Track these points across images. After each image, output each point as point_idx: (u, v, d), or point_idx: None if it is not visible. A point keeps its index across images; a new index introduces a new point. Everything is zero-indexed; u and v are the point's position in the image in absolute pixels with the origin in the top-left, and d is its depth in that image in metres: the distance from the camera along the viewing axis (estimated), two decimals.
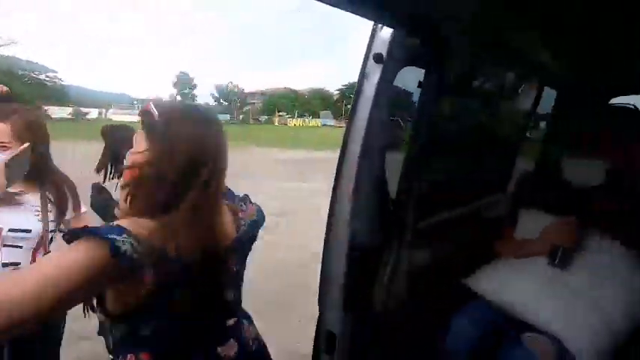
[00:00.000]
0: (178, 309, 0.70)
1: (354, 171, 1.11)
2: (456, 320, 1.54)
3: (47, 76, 37.98)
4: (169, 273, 0.65)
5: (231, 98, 51.13)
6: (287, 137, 24.49)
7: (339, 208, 1.16)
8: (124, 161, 0.75)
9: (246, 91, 58.40)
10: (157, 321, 0.72)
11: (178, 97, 52.12)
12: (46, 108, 34.50)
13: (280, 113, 53.43)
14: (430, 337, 1.52)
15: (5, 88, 1.41)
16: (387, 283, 1.26)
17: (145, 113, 0.76)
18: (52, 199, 1.27)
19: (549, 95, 2.00)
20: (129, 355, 0.73)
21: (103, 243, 0.60)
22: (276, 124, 49.31)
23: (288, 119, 52.13)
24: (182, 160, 0.69)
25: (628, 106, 1.86)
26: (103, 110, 40.61)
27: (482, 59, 1.38)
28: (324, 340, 1.33)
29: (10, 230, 1.16)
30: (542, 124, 2.33)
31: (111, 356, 0.78)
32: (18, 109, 1.22)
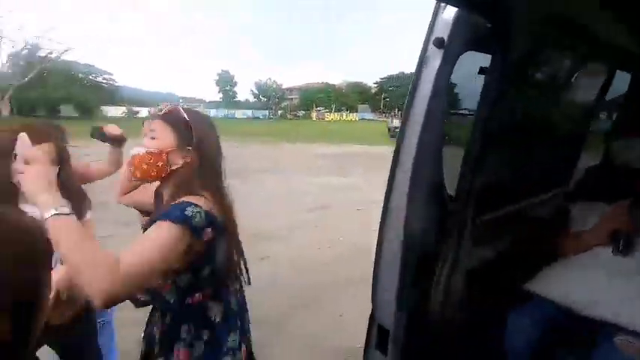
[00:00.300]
0: (222, 255, 1.00)
1: (410, 165, 1.06)
2: (515, 320, 1.49)
3: (104, 78, 40.89)
4: (217, 230, 0.96)
5: (270, 94, 52.07)
6: (325, 132, 24.54)
7: (394, 205, 1.12)
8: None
9: (284, 87, 59.20)
10: (212, 265, 1.00)
11: (220, 95, 53.98)
12: (102, 107, 37.35)
13: (318, 108, 53.64)
14: (487, 336, 1.46)
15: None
16: (444, 281, 1.21)
17: (175, 114, 1.05)
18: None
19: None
20: (196, 295, 1.01)
21: (182, 221, 0.89)
22: (314, 119, 49.53)
23: (326, 114, 52.21)
24: (214, 153, 1.06)
25: None
26: (151, 109, 42.96)
27: (553, 40, 1.25)
28: (375, 336, 1.31)
29: None
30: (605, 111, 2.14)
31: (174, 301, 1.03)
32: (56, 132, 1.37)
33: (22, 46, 25.58)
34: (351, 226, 4.98)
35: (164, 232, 0.88)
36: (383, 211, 1.16)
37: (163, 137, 1.02)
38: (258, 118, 47.19)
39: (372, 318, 1.29)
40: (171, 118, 1.04)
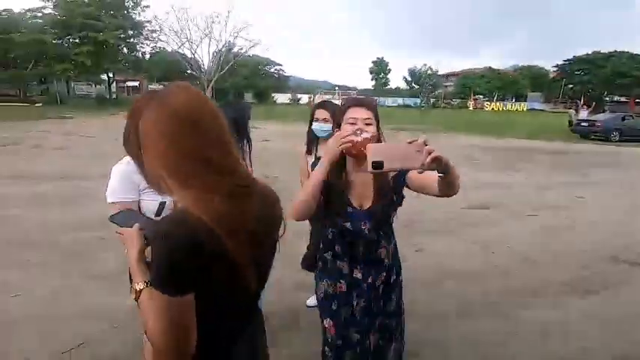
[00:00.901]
0: None
1: None
2: None
3: (275, 69, 47.25)
4: None
5: (423, 81, 49.91)
6: (484, 122, 22.04)
7: None
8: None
9: (440, 73, 55.69)
10: None
11: (373, 82, 54.95)
12: (273, 94, 43.43)
13: (476, 96, 48.48)
14: None
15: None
16: None
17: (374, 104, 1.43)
18: None
19: None
20: None
21: None
22: (471, 107, 45.10)
23: (485, 102, 46.73)
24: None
25: None
26: (311, 95, 47.35)
27: None
28: None
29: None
30: None
31: None
32: None
33: (222, 44, 31.84)
34: (517, 233, 4.38)
35: None
36: None
37: (374, 123, 1.38)
38: (409, 106, 46.12)
39: None
40: (374, 108, 1.40)
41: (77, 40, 24.91)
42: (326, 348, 1.49)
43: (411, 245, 3.85)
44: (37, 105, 23.71)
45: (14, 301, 2.61)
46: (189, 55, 31.80)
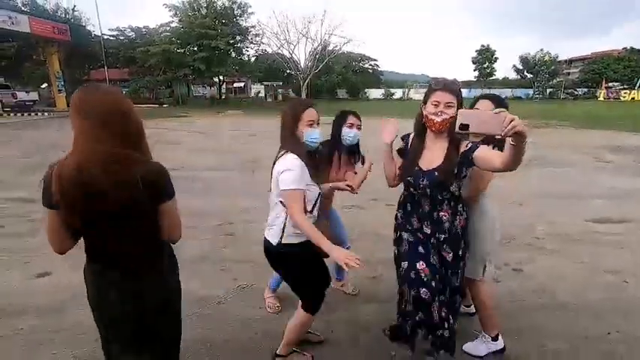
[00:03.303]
0: None
1: None
2: None
3: (370, 64, 46.72)
4: None
5: (539, 69, 43.50)
6: (616, 116, 18.16)
7: None
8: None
9: (560, 59, 47.92)
10: None
11: (476, 73, 50.25)
12: (366, 90, 43.06)
13: (609, 84, 40.35)
14: None
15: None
16: None
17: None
18: None
19: None
20: None
21: None
22: (601, 98, 37.82)
23: (622, 91, 38.54)
24: None
25: None
26: (406, 90, 45.53)
27: None
28: None
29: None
30: None
31: None
32: None
33: (318, 43, 32.75)
34: None
35: None
36: None
37: (456, 105, 1.65)
38: (519, 98, 40.88)
39: None
40: (456, 92, 1.65)
41: (195, 48, 28.39)
42: (422, 289, 1.72)
43: (508, 263, 3.28)
44: (164, 106, 27.91)
45: None
46: (287, 55, 33.59)
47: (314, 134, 1.78)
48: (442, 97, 1.60)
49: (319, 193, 1.82)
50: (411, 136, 1.87)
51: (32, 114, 18.84)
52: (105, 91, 1.19)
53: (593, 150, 9.11)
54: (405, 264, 1.79)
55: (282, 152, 1.74)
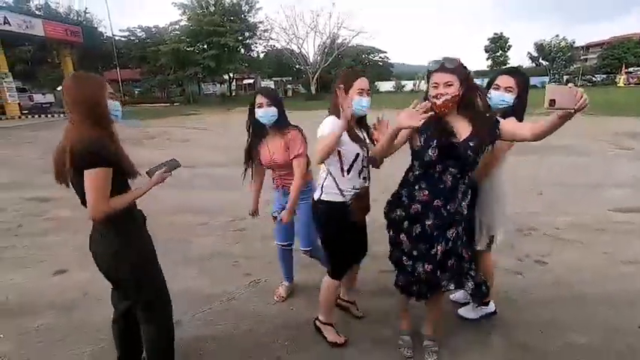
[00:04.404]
0: None
1: None
2: None
3: (380, 57, 46.15)
4: None
5: (554, 56, 42.20)
6: (637, 102, 17.47)
7: None
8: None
9: (577, 44, 46.38)
10: None
11: (489, 62, 49.17)
12: (376, 83, 42.56)
13: (630, 69, 38.88)
14: None
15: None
16: None
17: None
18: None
19: None
20: None
21: None
22: (621, 84, 36.51)
23: None
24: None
25: None
26: (417, 82, 44.85)
27: None
28: None
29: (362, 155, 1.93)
30: None
31: None
32: None
33: (327, 36, 32.48)
34: None
35: None
36: None
37: (456, 83, 1.60)
38: (534, 86, 39.80)
39: None
40: (454, 70, 1.60)
41: (204, 46, 28.52)
42: (404, 257, 1.84)
43: (529, 255, 3.17)
44: (175, 104, 28.19)
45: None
46: (296, 50, 33.43)
47: (362, 102, 1.85)
48: (440, 78, 1.59)
49: (357, 154, 1.88)
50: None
51: (48, 115, 19.27)
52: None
53: (613, 137, 8.78)
54: (405, 223, 1.82)
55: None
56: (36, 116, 18.80)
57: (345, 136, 1.80)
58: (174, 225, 3.93)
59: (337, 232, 1.95)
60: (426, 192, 1.73)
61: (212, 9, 29.09)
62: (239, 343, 2.18)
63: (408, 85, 43.75)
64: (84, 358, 2.08)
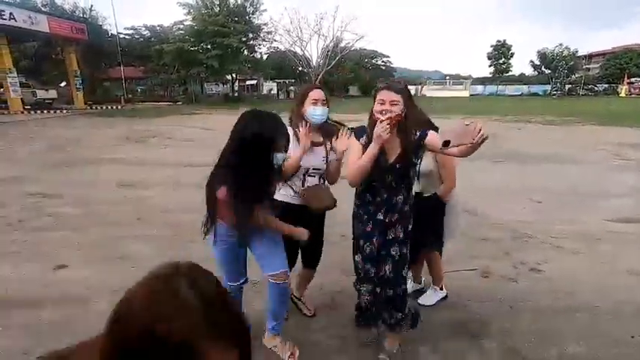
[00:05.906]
0: None
1: None
2: None
3: (382, 61, 46.30)
4: None
5: (557, 65, 42.34)
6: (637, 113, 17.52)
7: None
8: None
9: (580, 53, 46.53)
10: None
11: (491, 69, 49.27)
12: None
13: (632, 79, 39.00)
14: None
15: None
16: None
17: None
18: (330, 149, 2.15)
19: None
20: None
21: None
22: (623, 94, 36.61)
23: None
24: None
25: None
26: (419, 87, 44.94)
27: None
28: None
29: (313, 169, 2.14)
30: None
31: None
32: None
33: (330, 40, 32.63)
34: None
35: None
36: None
37: (401, 102, 1.76)
38: (536, 94, 39.95)
39: None
40: (401, 91, 1.76)
41: (208, 46, 28.61)
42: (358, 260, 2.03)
43: (525, 262, 3.20)
44: (178, 103, 28.26)
45: (132, 273, 3.02)
46: (299, 52, 33.55)
47: (317, 111, 2.04)
48: (387, 96, 1.73)
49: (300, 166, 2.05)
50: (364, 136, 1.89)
51: (51, 111, 19.32)
52: None
53: (614, 147, 8.81)
54: (360, 241, 1.97)
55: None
56: (39, 112, 18.86)
57: (295, 145, 2.00)
58: (181, 224, 3.97)
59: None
60: (372, 205, 1.90)
61: (217, 9, 29.22)
62: None
63: (410, 89, 43.67)
64: None
